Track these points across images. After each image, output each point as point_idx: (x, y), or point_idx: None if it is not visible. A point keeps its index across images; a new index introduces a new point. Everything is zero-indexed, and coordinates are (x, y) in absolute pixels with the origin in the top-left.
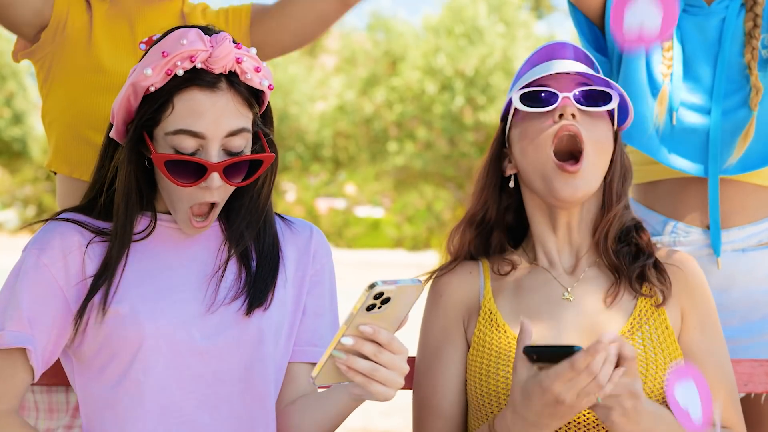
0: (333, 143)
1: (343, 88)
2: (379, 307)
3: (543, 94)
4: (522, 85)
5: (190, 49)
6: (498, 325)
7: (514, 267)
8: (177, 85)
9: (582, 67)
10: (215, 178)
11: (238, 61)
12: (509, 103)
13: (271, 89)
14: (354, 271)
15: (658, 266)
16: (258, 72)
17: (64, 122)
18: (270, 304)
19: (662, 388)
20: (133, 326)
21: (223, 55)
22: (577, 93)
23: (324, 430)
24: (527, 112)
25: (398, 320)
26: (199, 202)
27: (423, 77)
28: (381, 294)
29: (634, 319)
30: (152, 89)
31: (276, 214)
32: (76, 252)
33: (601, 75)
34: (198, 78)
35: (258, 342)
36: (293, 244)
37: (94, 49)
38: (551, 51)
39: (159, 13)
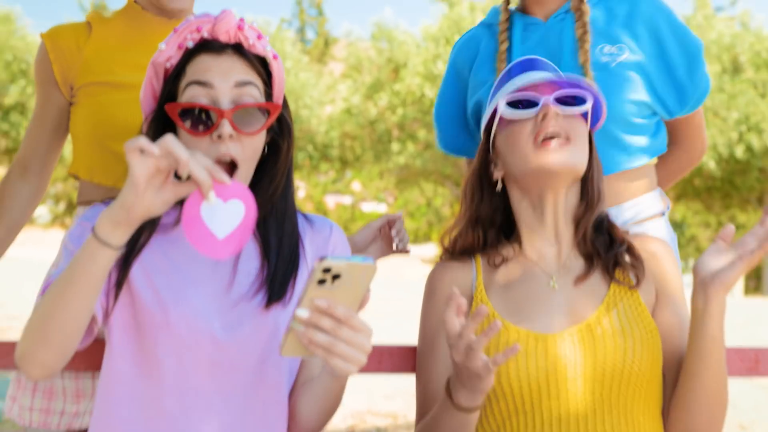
0: (340, 144)
1: (350, 92)
2: (332, 283)
3: (525, 101)
4: (506, 95)
5: (196, 21)
6: (489, 317)
7: (504, 260)
8: (190, 55)
9: (556, 76)
10: (225, 124)
11: (240, 28)
12: (493, 113)
13: (276, 59)
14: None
15: (631, 251)
16: (260, 39)
17: (88, 132)
18: (289, 299)
19: (640, 360)
20: (159, 311)
21: (226, 22)
22: (555, 97)
23: (321, 411)
24: (512, 118)
25: (356, 299)
26: (220, 159)
27: (423, 83)
28: (329, 269)
29: (609, 298)
30: (168, 65)
31: (298, 211)
32: None
33: (575, 80)
34: (206, 46)
35: (274, 335)
36: (313, 241)
37: (113, 67)
38: (525, 65)
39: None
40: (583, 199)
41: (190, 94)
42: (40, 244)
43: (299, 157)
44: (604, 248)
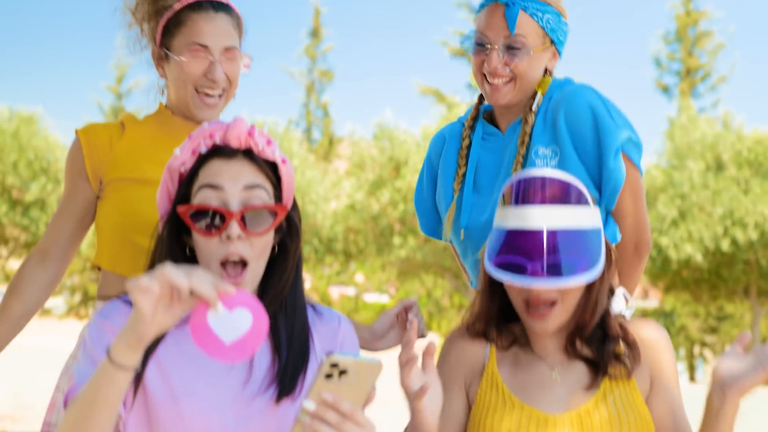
0: (344, 238)
1: (353, 189)
2: (339, 378)
3: (515, 266)
4: (495, 247)
5: (209, 128)
6: (497, 386)
7: (515, 340)
8: (203, 160)
9: (557, 218)
10: (234, 225)
11: (250, 134)
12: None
13: (285, 163)
14: (363, 352)
15: (627, 340)
16: (270, 145)
17: (113, 225)
18: (299, 393)
19: None
20: (172, 405)
21: (238, 129)
22: (546, 266)
23: None
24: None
25: (362, 395)
26: (229, 258)
27: None
28: (337, 364)
29: (605, 386)
30: (182, 170)
31: (307, 303)
32: None
33: (574, 245)
34: (218, 152)
35: (282, 428)
36: (322, 333)
37: (141, 164)
38: (524, 193)
39: None
40: (578, 313)
41: (202, 197)
42: (55, 334)
43: (305, 250)
44: (598, 345)
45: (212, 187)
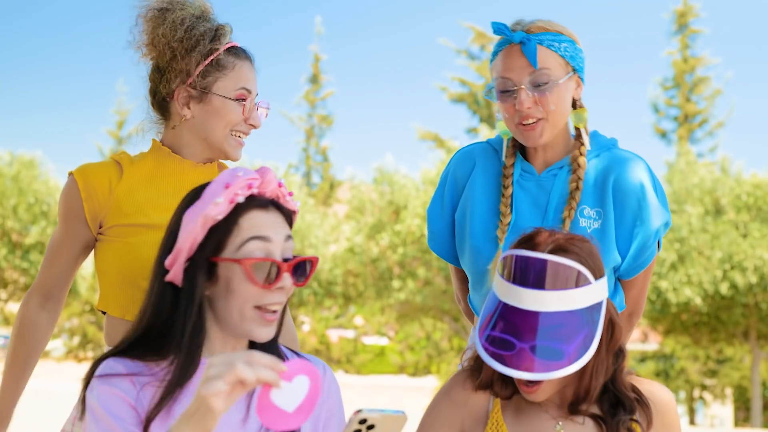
0: (344, 281)
1: (353, 232)
2: (367, 431)
3: (503, 345)
4: (491, 319)
5: (246, 178)
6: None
7: (516, 391)
8: (240, 209)
9: (552, 302)
10: (287, 278)
11: (279, 185)
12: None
13: (296, 213)
14: (362, 394)
15: (640, 401)
16: (291, 196)
17: (119, 271)
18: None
19: None
20: None
21: (271, 180)
22: (535, 347)
23: None
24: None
25: None
26: (271, 308)
27: (422, 223)
28: (365, 420)
29: None
30: (219, 217)
31: (291, 350)
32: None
33: (557, 332)
34: (255, 202)
35: None
36: None
37: (144, 209)
38: (522, 273)
39: (201, 175)
40: (575, 383)
41: (250, 251)
42: (54, 377)
43: (304, 293)
44: (609, 408)
45: (261, 238)
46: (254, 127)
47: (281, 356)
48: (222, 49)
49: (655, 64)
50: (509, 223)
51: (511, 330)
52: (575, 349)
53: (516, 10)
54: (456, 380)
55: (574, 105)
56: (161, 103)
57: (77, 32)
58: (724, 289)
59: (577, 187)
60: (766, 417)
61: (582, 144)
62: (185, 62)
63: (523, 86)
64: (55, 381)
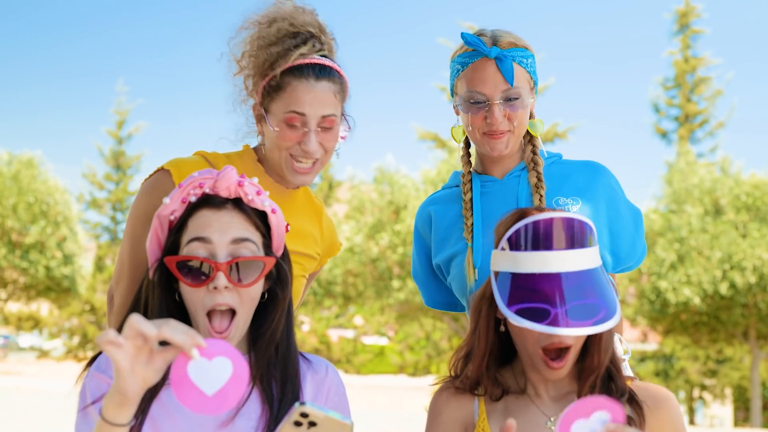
0: (343, 281)
1: (353, 232)
2: (307, 428)
3: (535, 310)
4: (512, 292)
5: (199, 178)
6: None
7: (505, 391)
8: (192, 209)
9: (572, 261)
10: (220, 277)
11: (239, 184)
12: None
13: (275, 213)
14: (362, 394)
15: (633, 403)
16: (259, 195)
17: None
18: None
19: None
20: None
21: (227, 178)
22: (567, 310)
23: None
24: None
25: None
26: (216, 308)
27: None
28: (307, 414)
29: None
30: (172, 218)
31: (299, 353)
32: None
33: (590, 288)
34: (207, 201)
35: None
36: (311, 382)
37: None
38: (545, 236)
39: (284, 197)
40: (584, 359)
41: (190, 249)
42: (54, 376)
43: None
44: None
45: (200, 239)
46: (308, 153)
47: (294, 355)
48: (279, 69)
49: (656, 64)
50: (472, 224)
51: (540, 298)
52: (608, 301)
53: (516, 9)
54: (439, 399)
55: (531, 116)
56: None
57: (77, 32)
58: (723, 289)
59: (539, 179)
60: (766, 417)
61: (535, 146)
62: (256, 81)
63: (496, 101)
64: (55, 381)
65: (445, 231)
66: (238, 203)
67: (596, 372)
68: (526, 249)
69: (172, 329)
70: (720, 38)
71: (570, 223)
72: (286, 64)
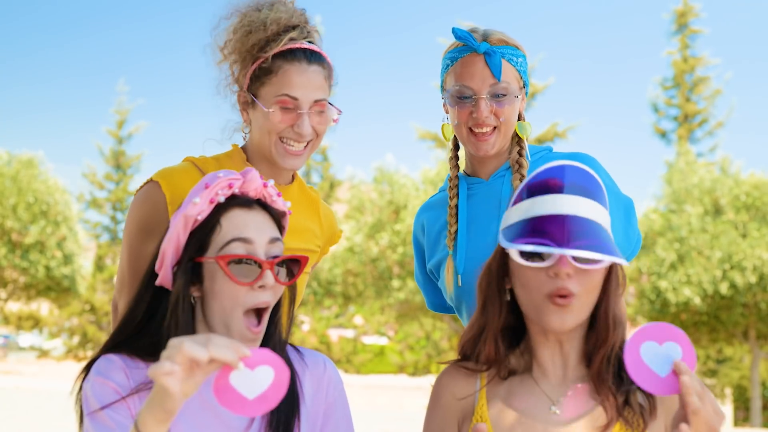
0: (343, 280)
1: (353, 232)
2: None
3: (540, 252)
4: (519, 234)
5: (227, 178)
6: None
7: (510, 372)
8: (221, 209)
9: (582, 207)
10: (269, 275)
11: (264, 185)
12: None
13: (290, 213)
14: (362, 394)
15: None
16: (279, 196)
17: None
18: None
19: None
20: None
21: (254, 179)
22: (573, 254)
23: None
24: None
25: None
26: (259, 306)
27: None
28: None
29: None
30: (199, 218)
31: (288, 344)
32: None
33: (595, 229)
34: (237, 201)
35: None
36: (310, 378)
37: None
38: (547, 184)
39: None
40: (594, 328)
41: (231, 248)
42: (54, 376)
43: (304, 292)
44: (614, 382)
45: (242, 240)
46: (302, 135)
47: (285, 355)
48: (271, 52)
49: (655, 63)
50: (455, 231)
51: (547, 237)
52: (611, 248)
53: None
54: (440, 382)
55: (519, 117)
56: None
57: (77, 32)
58: (723, 288)
59: (522, 182)
60: (766, 417)
61: (521, 147)
62: (241, 67)
63: (483, 96)
64: (55, 380)
65: (435, 237)
66: (262, 204)
67: (605, 347)
68: (539, 195)
69: (218, 347)
70: (719, 38)
71: (586, 175)
72: (278, 48)
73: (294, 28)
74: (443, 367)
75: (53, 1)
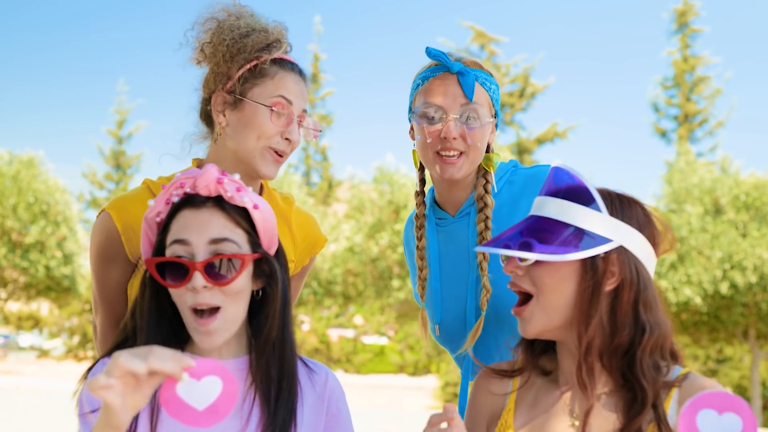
0: (343, 280)
1: (353, 232)
2: None
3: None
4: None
5: (181, 178)
6: None
7: (543, 374)
8: (174, 210)
9: (552, 208)
10: (197, 277)
11: (219, 182)
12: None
13: (257, 208)
14: (362, 394)
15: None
16: (239, 191)
17: None
18: None
19: None
20: None
21: (206, 177)
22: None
23: None
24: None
25: None
26: (197, 307)
27: None
28: None
29: None
30: (158, 219)
31: (299, 357)
32: None
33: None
34: (188, 201)
35: None
36: (311, 390)
37: None
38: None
39: None
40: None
41: (172, 250)
42: (54, 375)
43: (304, 292)
44: (628, 402)
45: (180, 242)
46: (291, 142)
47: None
48: (268, 57)
49: (655, 63)
50: (425, 277)
51: (509, 233)
52: (551, 248)
53: (515, 9)
54: (476, 383)
55: (488, 149)
56: (207, 111)
57: (77, 32)
58: (723, 288)
59: (486, 227)
60: (766, 417)
61: (487, 181)
62: (227, 65)
63: (453, 116)
64: (55, 380)
65: (411, 260)
66: (219, 201)
67: (587, 351)
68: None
69: (158, 358)
70: (719, 37)
71: (567, 179)
72: (279, 53)
73: (282, 41)
74: (443, 366)
75: (53, 1)
